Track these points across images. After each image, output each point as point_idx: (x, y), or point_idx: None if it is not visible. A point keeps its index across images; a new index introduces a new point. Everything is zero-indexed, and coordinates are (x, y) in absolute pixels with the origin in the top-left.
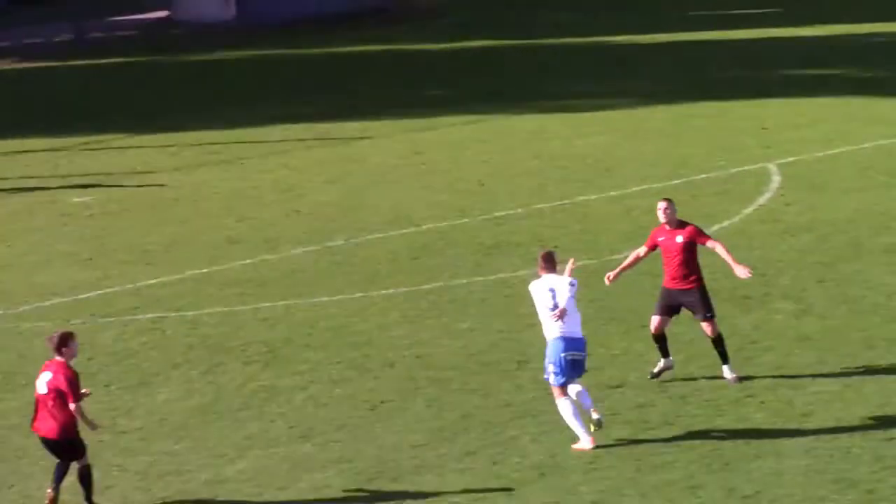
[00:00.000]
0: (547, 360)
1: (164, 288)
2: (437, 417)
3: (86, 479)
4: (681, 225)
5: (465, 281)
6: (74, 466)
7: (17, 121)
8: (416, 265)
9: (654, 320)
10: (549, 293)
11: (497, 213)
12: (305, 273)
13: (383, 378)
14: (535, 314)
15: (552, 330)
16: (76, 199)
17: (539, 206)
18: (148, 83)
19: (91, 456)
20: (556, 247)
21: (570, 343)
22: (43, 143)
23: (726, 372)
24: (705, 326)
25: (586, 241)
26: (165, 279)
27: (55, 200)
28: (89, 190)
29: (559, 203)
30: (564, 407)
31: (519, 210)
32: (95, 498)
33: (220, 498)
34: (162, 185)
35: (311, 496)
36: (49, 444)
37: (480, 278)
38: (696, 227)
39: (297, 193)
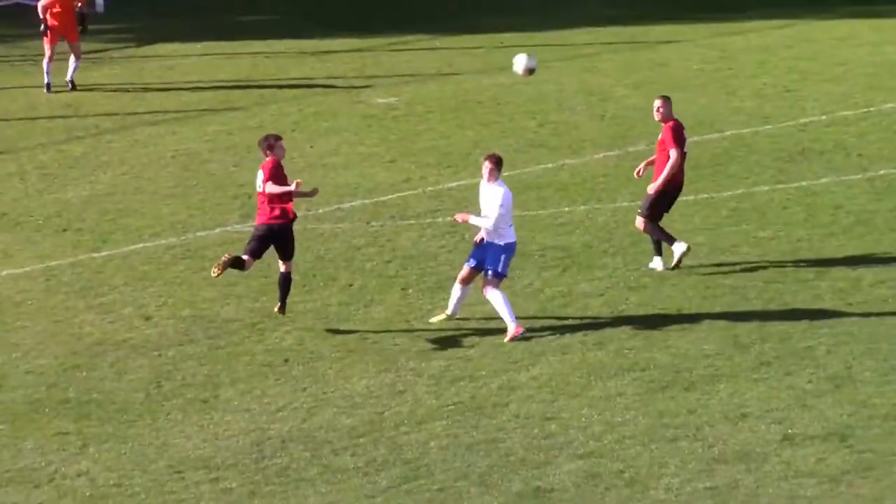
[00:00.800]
0: (507, 257)
1: (464, 191)
2: (733, 326)
3: (286, 284)
4: None
5: (766, 188)
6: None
7: (324, 20)
8: (718, 171)
9: None
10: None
11: (802, 120)
12: (607, 178)
13: (680, 285)
14: (835, 223)
15: (511, 233)
16: (380, 101)
17: (844, 113)
18: None
19: (385, 360)
20: (859, 155)
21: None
22: (349, 43)
23: None
24: None
25: (890, 149)
26: (466, 182)
27: (360, 101)
28: (394, 91)
29: (864, 111)
30: (500, 296)
31: (823, 117)
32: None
33: (512, 404)
34: (466, 88)
35: (603, 403)
36: (269, 232)
37: (782, 186)
38: None
39: (601, 98)
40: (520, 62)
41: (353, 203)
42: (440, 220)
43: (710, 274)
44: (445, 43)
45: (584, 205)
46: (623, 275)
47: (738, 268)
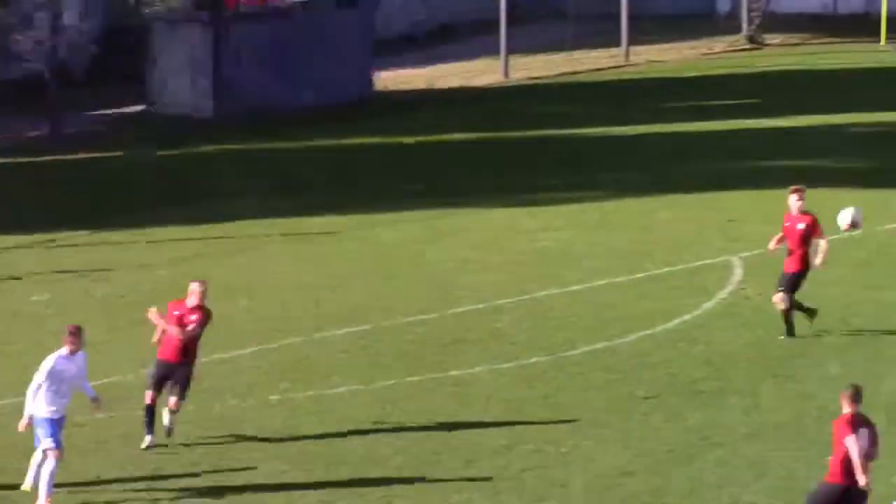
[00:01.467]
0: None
1: None
2: None
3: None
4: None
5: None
6: None
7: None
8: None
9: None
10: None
11: (456, 310)
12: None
13: None
14: (487, 412)
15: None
16: (35, 298)
17: (499, 301)
18: (117, 178)
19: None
20: (512, 344)
21: None
22: (9, 240)
23: None
24: None
25: (541, 337)
26: None
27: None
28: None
29: (518, 299)
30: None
31: (480, 306)
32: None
33: None
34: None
35: None
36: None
37: (433, 375)
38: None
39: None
40: (844, 216)
41: None
42: None
43: None
44: (101, 239)
45: None
46: None
47: None
